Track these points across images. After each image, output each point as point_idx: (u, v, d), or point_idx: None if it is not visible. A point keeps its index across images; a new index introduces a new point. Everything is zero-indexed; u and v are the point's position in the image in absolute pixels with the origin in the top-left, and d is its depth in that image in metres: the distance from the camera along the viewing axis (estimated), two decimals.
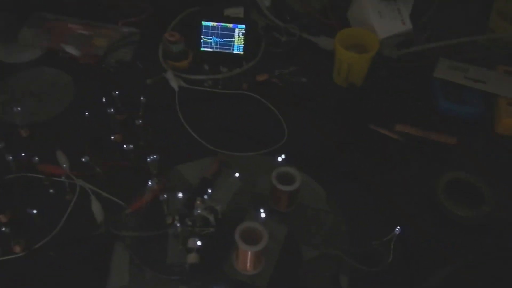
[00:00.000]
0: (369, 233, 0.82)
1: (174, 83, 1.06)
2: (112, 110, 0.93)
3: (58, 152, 0.91)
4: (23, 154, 0.89)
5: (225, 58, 1.12)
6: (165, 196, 0.79)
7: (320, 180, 0.90)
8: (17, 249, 0.79)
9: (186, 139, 0.97)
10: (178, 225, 0.78)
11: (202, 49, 1.12)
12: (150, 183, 0.83)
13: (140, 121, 0.92)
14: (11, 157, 0.86)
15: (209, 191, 0.79)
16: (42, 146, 0.94)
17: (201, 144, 0.95)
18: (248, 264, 0.74)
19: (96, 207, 0.83)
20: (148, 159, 0.84)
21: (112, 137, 0.93)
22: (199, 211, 0.78)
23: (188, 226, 0.79)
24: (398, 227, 0.78)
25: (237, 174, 0.87)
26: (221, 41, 1.12)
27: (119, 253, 0.79)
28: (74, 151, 0.91)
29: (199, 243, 0.74)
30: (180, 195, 0.80)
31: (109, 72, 1.11)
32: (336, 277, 0.77)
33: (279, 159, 0.87)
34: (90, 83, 1.08)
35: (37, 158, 0.87)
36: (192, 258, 0.75)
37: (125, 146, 0.88)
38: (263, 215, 0.70)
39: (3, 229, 0.78)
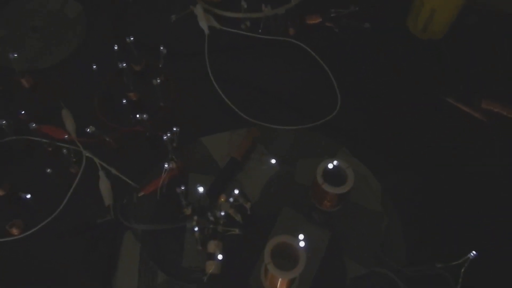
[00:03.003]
0: (434, 249, 0.66)
1: (204, 23, 0.86)
2: (124, 64, 0.75)
3: (64, 112, 0.77)
4: (23, 112, 0.75)
5: None
6: (182, 188, 0.64)
7: (376, 170, 0.72)
8: (14, 231, 0.68)
9: (214, 101, 0.79)
10: (196, 218, 0.64)
11: None
12: (166, 165, 0.67)
13: (159, 80, 0.74)
14: (4, 120, 0.72)
15: (236, 191, 0.64)
16: (45, 102, 0.79)
17: (232, 110, 0.78)
18: (278, 285, 0.60)
19: (104, 186, 0.70)
20: (165, 137, 0.68)
21: (124, 100, 0.76)
22: (222, 213, 0.64)
23: (209, 223, 0.65)
24: (474, 251, 0.61)
25: (273, 160, 0.70)
26: None
27: (128, 248, 0.67)
28: (82, 110, 0.77)
29: (220, 257, 0.61)
30: (201, 189, 0.65)
31: (126, 2, 0.91)
32: None
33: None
34: (103, 17, 0.89)
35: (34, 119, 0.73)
36: (211, 266, 0.62)
37: (138, 116, 0.71)
38: (302, 244, 0.55)
39: None
